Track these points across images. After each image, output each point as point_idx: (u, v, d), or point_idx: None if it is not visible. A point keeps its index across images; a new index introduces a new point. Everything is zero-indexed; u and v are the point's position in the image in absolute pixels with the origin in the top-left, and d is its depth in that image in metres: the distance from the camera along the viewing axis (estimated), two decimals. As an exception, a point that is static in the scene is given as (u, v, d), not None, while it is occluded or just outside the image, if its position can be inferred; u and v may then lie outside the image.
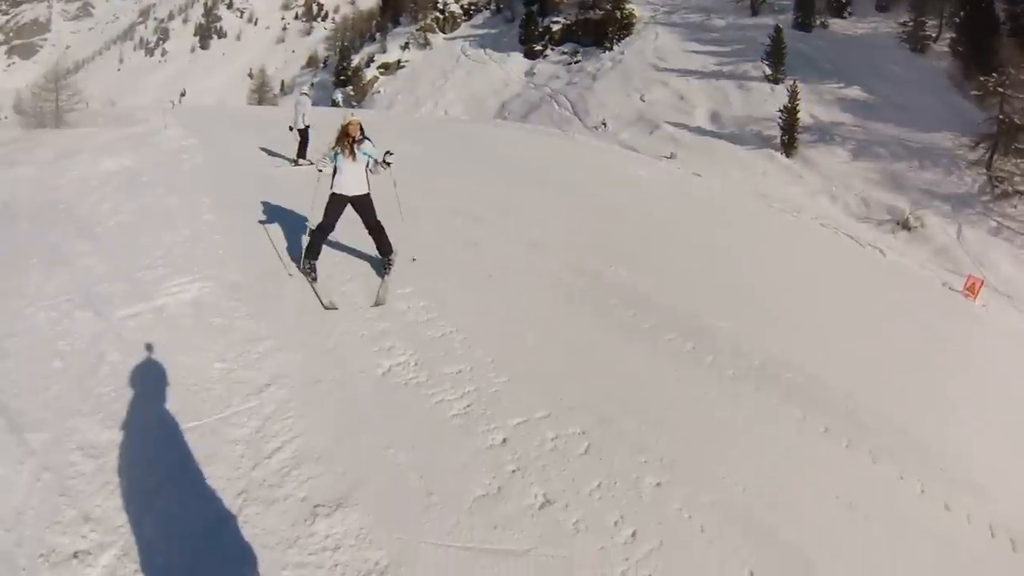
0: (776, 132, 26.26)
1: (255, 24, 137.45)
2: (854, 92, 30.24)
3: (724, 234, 11.19)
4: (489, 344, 4.82)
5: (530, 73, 43.67)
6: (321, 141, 8.90)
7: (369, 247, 5.84)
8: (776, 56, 31.80)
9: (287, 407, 3.80)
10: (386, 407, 3.96)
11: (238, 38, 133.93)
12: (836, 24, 37.41)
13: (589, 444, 3.89)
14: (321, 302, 5.13)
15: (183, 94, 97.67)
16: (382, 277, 5.66)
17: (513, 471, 3.56)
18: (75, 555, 2.74)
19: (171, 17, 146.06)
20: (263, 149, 12.31)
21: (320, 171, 5.51)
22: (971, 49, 29.87)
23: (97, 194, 8.26)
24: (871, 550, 3.76)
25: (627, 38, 41.54)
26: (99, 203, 7.82)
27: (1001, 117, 26.79)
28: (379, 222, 5.58)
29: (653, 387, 4.78)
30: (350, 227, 5.64)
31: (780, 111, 26.26)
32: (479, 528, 3.15)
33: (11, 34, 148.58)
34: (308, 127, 11.65)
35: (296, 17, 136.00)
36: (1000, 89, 26.85)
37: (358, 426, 3.74)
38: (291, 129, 11.89)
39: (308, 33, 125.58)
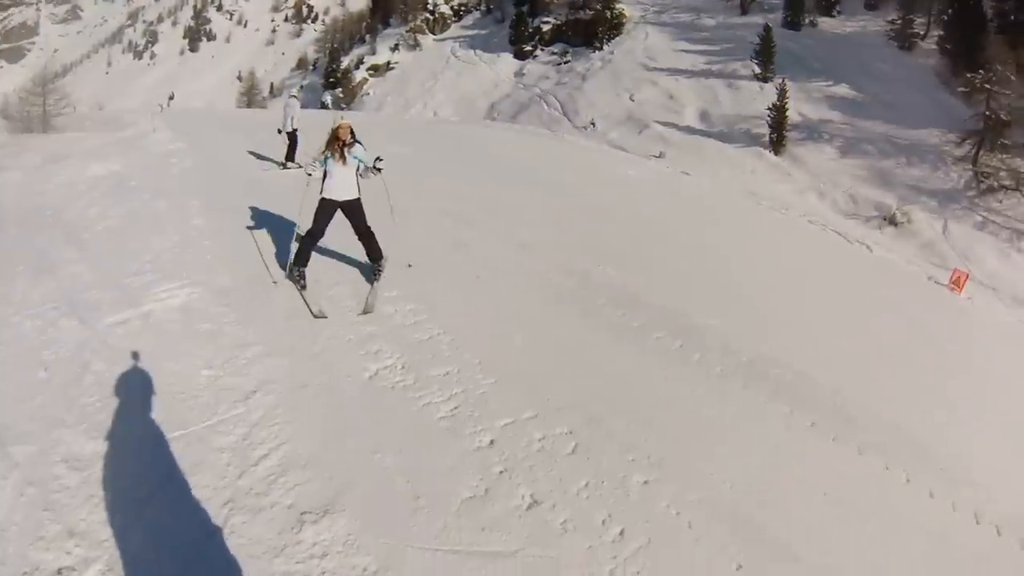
0: (765, 130, 26.26)
1: (244, 26, 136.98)
2: (842, 90, 30.38)
3: (713, 232, 11.28)
4: (477, 346, 4.82)
5: (519, 74, 43.67)
6: (310, 144, 8.87)
7: (358, 252, 5.79)
8: (765, 55, 31.89)
9: (274, 413, 3.78)
10: (373, 411, 3.95)
11: (227, 40, 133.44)
12: (825, 22, 37.64)
13: (576, 444, 3.91)
14: (310, 310, 5.08)
15: (172, 97, 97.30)
16: (371, 284, 5.60)
17: (500, 472, 3.57)
18: (59, 572, 2.72)
19: (160, 20, 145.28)
20: (252, 153, 12.27)
21: (309, 175, 5.44)
22: (958, 46, 30.05)
23: (84, 199, 8.21)
24: (860, 545, 3.81)
25: (617, 38, 41.60)
26: (86, 208, 7.76)
27: (987, 113, 26.93)
28: (369, 227, 5.51)
29: (641, 386, 4.80)
30: (339, 232, 5.59)
31: (769, 109, 26.30)
32: (467, 530, 3.15)
33: None
34: (296, 130, 11.63)
35: (286, 19, 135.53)
36: (987, 86, 26.99)
37: (345, 431, 3.72)
38: (280, 132, 11.84)
39: (298, 35, 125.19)
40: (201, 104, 75.91)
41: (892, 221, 23.01)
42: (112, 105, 64.70)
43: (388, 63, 55.94)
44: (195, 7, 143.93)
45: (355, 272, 5.93)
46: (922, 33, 34.05)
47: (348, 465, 3.44)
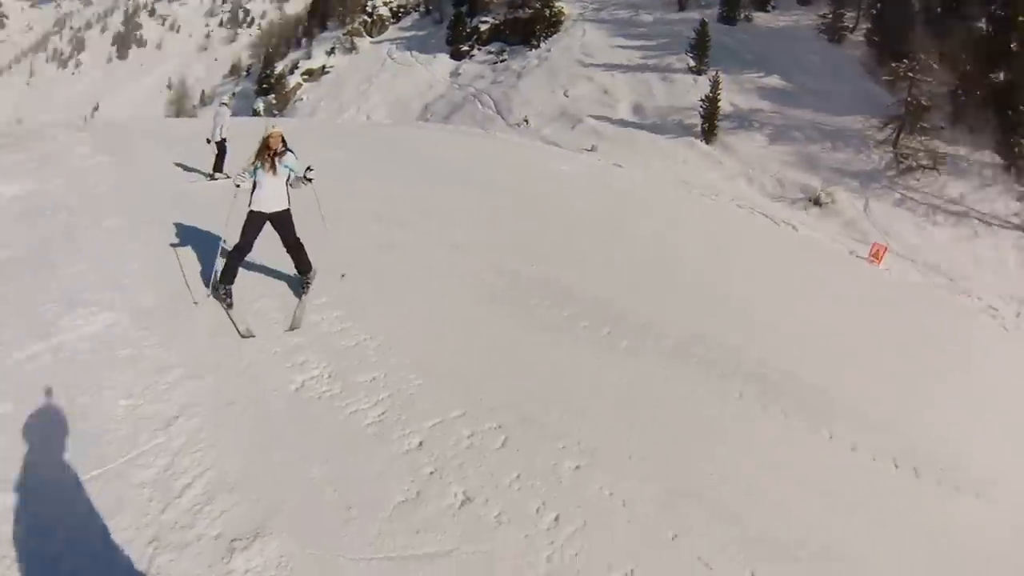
0: (697, 121, 26.96)
1: (177, 32, 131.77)
2: (774, 81, 31.51)
3: (644, 222, 11.54)
4: (405, 349, 4.83)
5: (455, 74, 43.55)
6: (240, 154, 8.64)
7: (285, 264, 5.66)
8: (700, 49, 32.77)
9: (198, 437, 3.66)
10: (300, 423, 3.91)
11: (158, 47, 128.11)
12: (760, 17, 38.92)
13: (506, 437, 4.01)
14: (237, 329, 4.92)
15: (96, 108, 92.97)
16: (299, 297, 5.48)
17: (431, 473, 3.60)
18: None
19: (88, 26, 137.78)
20: (179, 164, 11.85)
21: (238, 186, 5.23)
22: (885, 38, 31.57)
23: (-7, 223, 7.76)
24: (791, 499, 4.10)
25: (555, 36, 41.95)
26: (-5, 234, 7.33)
27: (909, 100, 28.58)
28: (298, 239, 5.38)
29: (572, 376, 4.90)
30: (266, 243, 5.43)
31: (702, 100, 27.07)
32: (401, 535, 3.16)
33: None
34: (226, 139, 11.32)
35: (221, 24, 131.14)
36: (910, 74, 28.61)
37: (271, 447, 3.66)
38: (208, 142, 11.50)
39: (232, 40, 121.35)
40: (128, 114, 72.82)
41: (817, 202, 23.99)
42: (32, 118, 61.25)
43: (323, 67, 54.92)
44: (126, 12, 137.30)
45: (282, 285, 5.80)
46: (851, 26, 35.62)
47: (276, 483, 3.38)
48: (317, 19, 67.57)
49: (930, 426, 6.33)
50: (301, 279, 5.56)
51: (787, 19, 38.37)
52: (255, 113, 48.68)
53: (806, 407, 5.37)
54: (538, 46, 41.17)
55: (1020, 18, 28.97)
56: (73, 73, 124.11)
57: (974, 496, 5.08)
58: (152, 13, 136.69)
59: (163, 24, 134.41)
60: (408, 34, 54.00)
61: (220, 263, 5.40)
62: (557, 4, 44.20)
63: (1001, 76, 30.00)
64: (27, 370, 4.20)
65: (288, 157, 5.19)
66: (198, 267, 5.98)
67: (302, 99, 52.26)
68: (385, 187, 10.84)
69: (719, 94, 27.18)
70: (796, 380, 5.85)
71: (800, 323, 8.09)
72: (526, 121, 29.76)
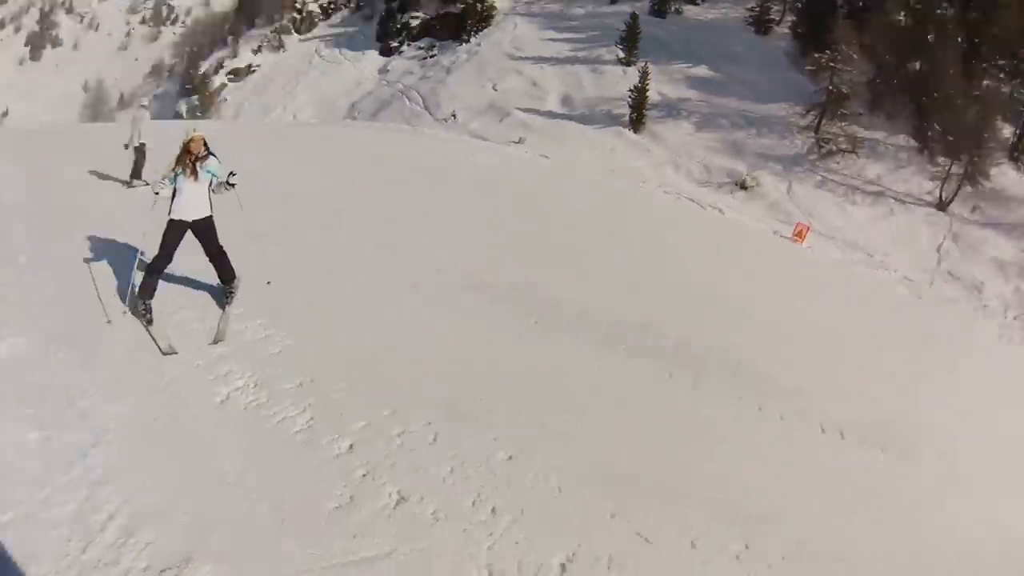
0: (626, 111, 27.48)
1: (96, 30, 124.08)
2: (701, 71, 32.47)
3: (567, 210, 11.75)
4: (331, 352, 4.80)
5: (384, 71, 42.95)
6: (159, 159, 8.27)
7: (206, 274, 5.47)
8: (630, 40, 33.37)
9: (118, 464, 3.42)
10: (226, 438, 3.80)
11: (75, 47, 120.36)
12: (690, 10, 40.04)
13: (437, 433, 4.00)
14: (158, 346, 4.70)
15: (5, 114, 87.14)
16: (222, 308, 5.30)
17: (363, 476, 3.57)
18: None
19: (1, 26, 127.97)
20: (93, 172, 11.27)
21: (157, 193, 5.00)
22: (809, 30, 33.11)
23: None
24: (725, 469, 4.31)
25: (486, 30, 41.92)
26: None
27: (830, 88, 30.11)
28: (221, 247, 5.20)
29: (498, 365, 4.95)
30: (186, 251, 5.22)
31: (631, 91, 27.60)
32: (337, 540, 3.12)
33: None
34: (144, 144, 10.89)
35: (143, 21, 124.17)
36: (831, 64, 30.11)
37: (198, 466, 3.52)
38: (126, 147, 11.01)
39: (155, 39, 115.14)
40: (41, 120, 68.43)
41: (743, 186, 24.92)
42: (-68, 129, 56.86)
43: (250, 66, 53.19)
44: (42, 10, 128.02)
45: (203, 295, 5.59)
46: (777, 19, 37.25)
47: (205, 504, 3.23)
48: (244, 16, 65.22)
49: (855, 392, 6.84)
50: (224, 288, 5.38)
51: (716, 12, 39.64)
52: (177, 116, 46.63)
53: (736, 382, 5.63)
54: (468, 41, 41.04)
55: (936, 12, 30.78)
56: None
57: (899, 455, 5.54)
58: (70, 10, 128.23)
59: (81, 22, 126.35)
60: (338, 31, 52.83)
61: (138, 277, 5.17)
62: (489, -2, 44.09)
63: (917, 66, 32.14)
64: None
65: (211, 161, 5.01)
66: (114, 282, 5.68)
67: (226, 100, 50.40)
68: (308, 189, 10.68)
69: (648, 84, 27.76)
70: (726, 356, 6.11)
71: (728, 301, 8.37)
72: (453, 116, 29.63)
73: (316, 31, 55.06)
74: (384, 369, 4.67)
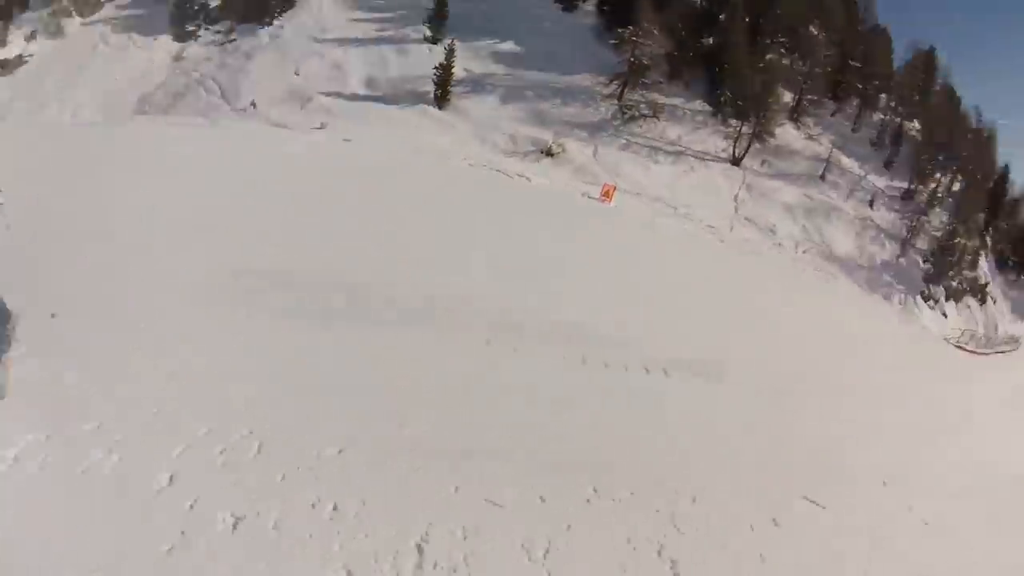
0: (431, 88, 27.10)
1: None
2: (508, 46, 32.79)
3: (373, 192, 11.41)
4: (130, 379, 4.04)
5: (179, 58, 38.95)
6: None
7: None
8: (437, 19, 32.81)
9: None
10: (24, 500, 3.03)
11: None
12: (500, -11, 40.17)
13: (260, 442, 3.63)
14: None
15: None
16: None
17: (191, 506, 3.11)
18: None
19: None
20: None
21: None
22: (613, 7, 34.73)
23: None
24: (556, 425, 4.48)
25: (289, 11, 39.35)
26: None
27: (632, 60, 32.04)
28: None
29: (307, 356, 4.67)
30: None
31: (436, 68, 27.22)
32: None
33: None
34: None
35: None
36: (633, 38, 31.93)
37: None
38: None
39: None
40: None
41: (549, 153, 25.44)
42: None
43: (21, 56, 46.18)
44: None
45: None
46: None
47: None
48: (15, -4, 56.64)
49: (674, 334, 7.32)
50: None
51: (526, -10, 40.13)
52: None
53: (558, 340, 5.78)
54: (271, 23, 38.39)
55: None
56: None
57: (715, 381, 6.21)
58: None
59: None
60: (126, 13, 47.09)
61: None
62: (293, -24, 41.45)
63: (711, 40, 35.53)
64: None
65: None
66: None
67: (-10, 99, 43.49)
68: (87, 199, 8.97)
69: (453, 61, 27.53)
70: (546, 318, 6.24)
71: (541, 264, 8.50)
72: (253, 105, 27.49)
73: (101, 13, 48.59)
74: (195, 386, 4.06)
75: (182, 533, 2.99)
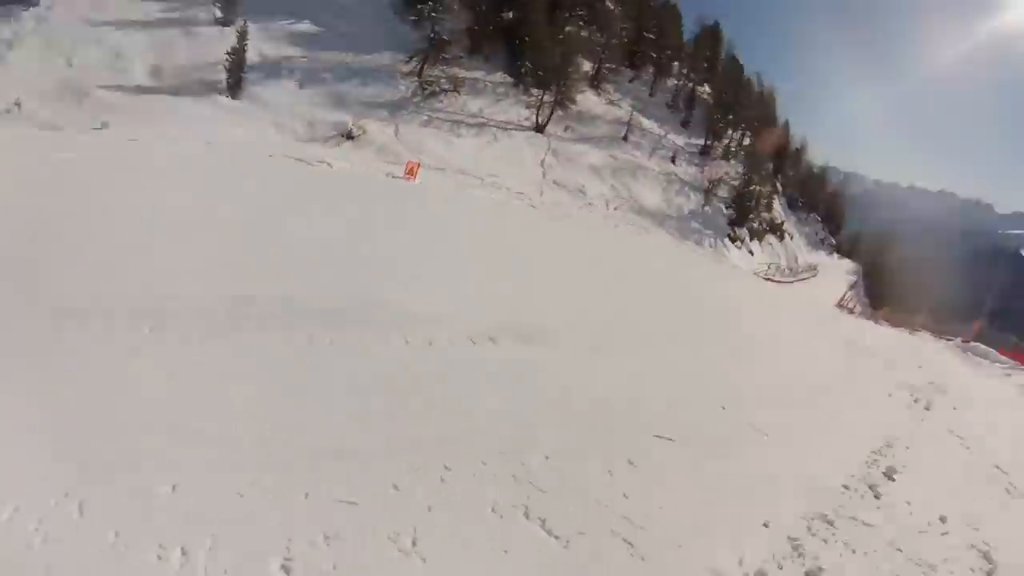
0: (223, 76, 25.89)
1: None
2: (305, 26, 32.13)
3: (163, 196, 10.20)
4: None
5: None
6: None
7: None
8: (229, -2, 31.48)
9: None
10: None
11: None
12: (296, -36, 38.82)
13: (81, 501, 3.18)
14: None
15: None
16: None
17: None
18: None
19: None
20: None
21: None
22: None
23: None
24: (386, 410, 4.50)
25: (57, -9, 35.58)
26: None
27: (431, 36, 32.94)
28: None
29: (107, 387, 4.17)
30: None
31: (228, 53, 25.95)
32: None
33: None
34: None
35: None
36: (433, 14, 32.81)
37: None
38: None
39: None
40: None
41: (349, 136, 25.73)
42: None
43: None
44: None
45: None
46: None
47: None
48: None
49: (495, 302, 7.57)
50: None
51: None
52: None
53: (378, 324, 5.87)
54: (36, 4, 34.50)
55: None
56: None
57: (545, 346, 6.57)
58: None
59: None
60: None
61: None
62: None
63: (510, 15, 37.40)
64: None
65: None
66: None
67: None
68: None
69: (246, 45, 26.59)
70: (361, 303, 6.27)
71: (348, 249, 8.54)
72: (17, 105, 24.89)
73: None
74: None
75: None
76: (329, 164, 19.48)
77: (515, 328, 6.76)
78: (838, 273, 65.73)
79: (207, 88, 25.05)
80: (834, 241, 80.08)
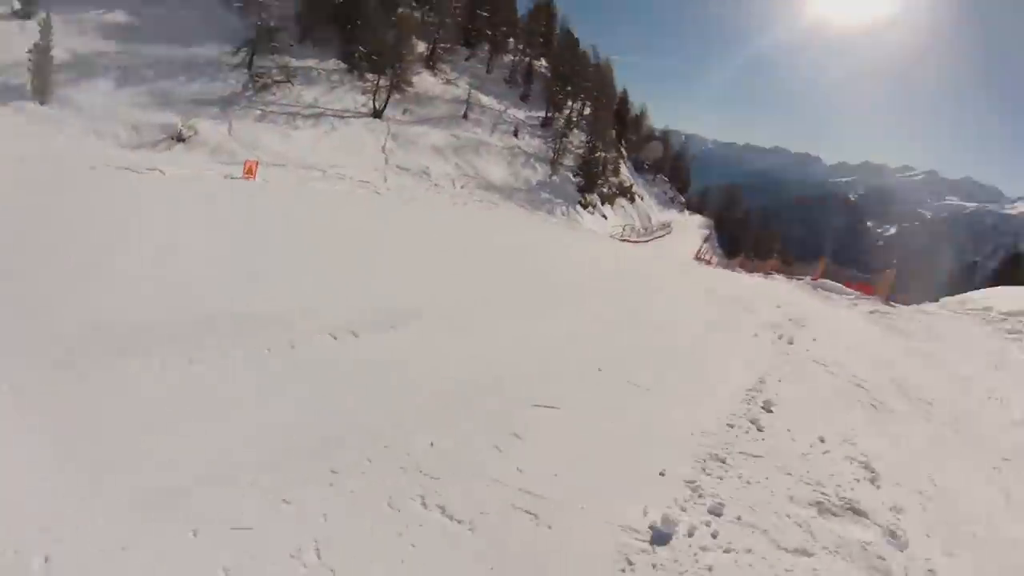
0: (27, 78, 23.32)
1: None
2: (119, 17, 30.42)
3: None
4: None
5: None
6: None
7: None
8: (26, -14, 28.91)
9: None
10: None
11: None
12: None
13: None
14: None
15: None
16: None
17: None
18: None
19: None
20: None
21: None
22: None
23: None
24: (343, 402, 4.61)
25: None
26: None
27: (259, 23, 32.46)
28: None
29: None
30: None
31: (30, 52, 23.43)
32: None
33: None
34: None
35: None
36: (260, 0, 32.57)
37: None
38: None
39: None
40: None
41: (180, 138, 24.76)
42: None
43: None
44: None
45: None
46: None
47: None
48: None
49: (352, 295, 7.46)
50: None
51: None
52: None
53: (245, 335, 5.52)
54: None
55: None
56: None
57: (407, 331, 6.55)
58: None
59: None
60: None
61: None
62: None
63: None
64: None
65: None
66: None
67: None
68: None
69: (51, 41, 24.30)
70: (223, 315, 5.85)
71: (201, 259, 7.96)
72: None
73: None
74: None
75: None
76: (161, 171, 18.00)
77: (377, 316, 6.66)
78: (691, 228, 71.99)
79: (10, 93, 22.71)
80: (683, 199, 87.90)
